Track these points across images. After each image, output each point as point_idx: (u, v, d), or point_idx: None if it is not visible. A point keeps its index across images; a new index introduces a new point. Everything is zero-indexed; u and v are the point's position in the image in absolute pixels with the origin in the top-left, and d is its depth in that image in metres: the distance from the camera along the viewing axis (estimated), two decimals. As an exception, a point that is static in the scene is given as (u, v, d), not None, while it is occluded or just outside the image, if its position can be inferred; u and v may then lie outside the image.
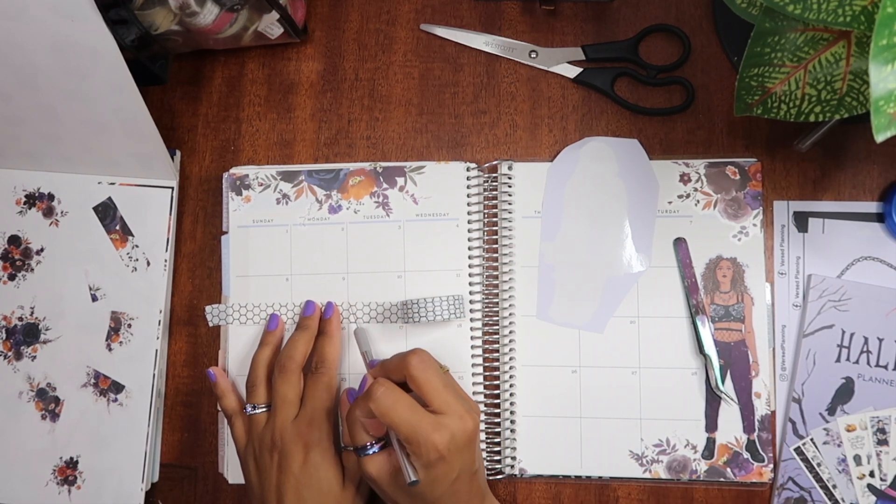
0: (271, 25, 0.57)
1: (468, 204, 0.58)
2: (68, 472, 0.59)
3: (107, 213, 0.61)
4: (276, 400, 0.53)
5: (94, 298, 0.61)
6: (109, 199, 0.61)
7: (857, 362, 0.54)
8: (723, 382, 0.55)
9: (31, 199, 0.62)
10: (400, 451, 0.47)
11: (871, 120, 0.34)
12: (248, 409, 0.54)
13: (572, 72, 0.59)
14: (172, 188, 0.61)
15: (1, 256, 0.62)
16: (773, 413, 0.55)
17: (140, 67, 0.55)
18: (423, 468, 0.45)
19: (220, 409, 0.58)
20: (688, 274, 0.56)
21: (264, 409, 0.54)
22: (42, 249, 0.62)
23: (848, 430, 0.54)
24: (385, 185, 0.59)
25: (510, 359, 0.57)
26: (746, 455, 0.55)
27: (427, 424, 0.45)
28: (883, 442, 0.53)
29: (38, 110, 0.56)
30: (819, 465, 0.54)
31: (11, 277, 0.62)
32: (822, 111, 0.44)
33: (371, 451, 0.49)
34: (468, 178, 0.58)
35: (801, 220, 0.56)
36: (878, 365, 0.54)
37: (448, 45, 0.61)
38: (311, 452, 0.51)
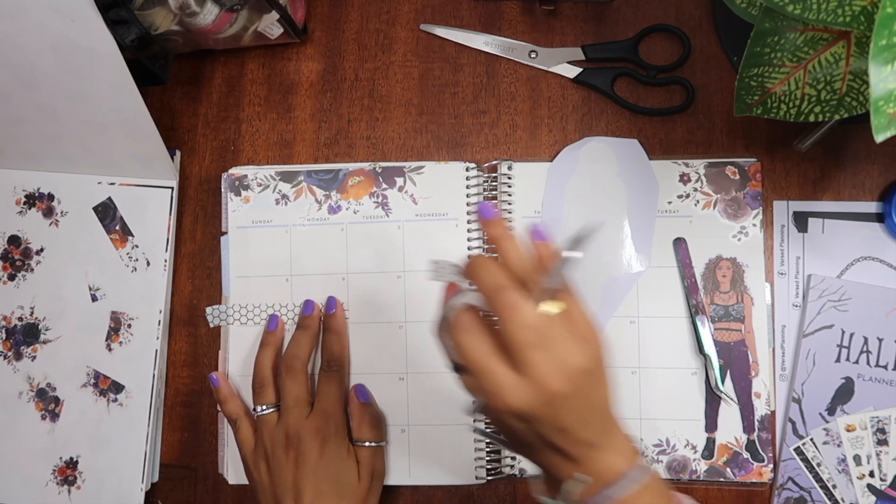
0: (271, 25, 0.57)
1: (468, 204, 0.58)
2: (68, 472, 0.59)
3: (107, 213, 0.61)
4: (288, 400, 0.53)
5: (94, 298, 0.61)
6: (109, 199, 0.61)
7: (856, 362, 0.54)
8: (722, 382, 0.55)
9: (31, 199, 0.62)
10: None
11: (870, 120, 0.34)
12: (258, 409, 0.54)
13: (572, 72, 0.59)
14: (172, 188, 0.61)
15: (1, 256, 0.62)
16: (773, 413, 0.55)
17: (140, 67, 0.55)
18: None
19: (221, 412, 0.58)
20: (687, 274, 0.56)
21: (274, 409, 0.54)
22: (42, 249, 0.62)
23: (848, 430, 0.54)
24: (384, 186, 0.59)
25: (510, 359, 0.57)
26: (746, 455, 0.55)
27: (495, 380, 0.37)
28: (883, 442, 0.53)
29: (38, 110, 0.56)
30: (819, 465, 0.54)
31: (11, 277, 0.62)
32: (822, 111, 0.44)
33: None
34: (468, 179, 0.58)
35: (800, 220, 0.56)
36: (877, 365, 0.54)
37: (448, 45, 0.61)
38: (327, 446, 0.52)
